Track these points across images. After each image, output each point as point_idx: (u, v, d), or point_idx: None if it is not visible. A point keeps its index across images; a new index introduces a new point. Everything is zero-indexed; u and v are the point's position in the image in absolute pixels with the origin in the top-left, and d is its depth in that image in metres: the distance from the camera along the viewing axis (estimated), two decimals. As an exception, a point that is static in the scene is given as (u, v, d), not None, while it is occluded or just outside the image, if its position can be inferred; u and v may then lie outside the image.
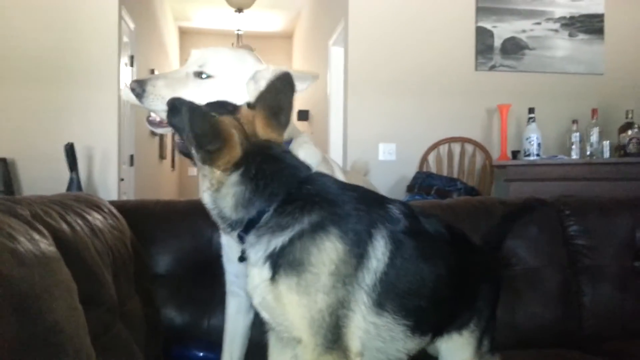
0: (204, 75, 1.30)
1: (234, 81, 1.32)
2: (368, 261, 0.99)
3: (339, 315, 0.97)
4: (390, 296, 1.01)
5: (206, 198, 1.04)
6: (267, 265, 0.98)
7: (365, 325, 0.99)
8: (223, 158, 0.98)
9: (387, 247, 1.00)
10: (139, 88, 1.27)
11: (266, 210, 0.99)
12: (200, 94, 1.25)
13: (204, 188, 1.03)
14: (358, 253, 0.98)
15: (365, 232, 1.00)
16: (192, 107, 0.93)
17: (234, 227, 1.03)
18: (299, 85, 1.34)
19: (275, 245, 0.97)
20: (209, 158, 0.98)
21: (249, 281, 1.03)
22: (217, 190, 1.01)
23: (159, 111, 1.29)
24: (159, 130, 1.36)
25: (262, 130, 1.04)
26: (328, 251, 0.96)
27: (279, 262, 0.97)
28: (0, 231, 0.82)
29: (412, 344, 1.07)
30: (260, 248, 0.99)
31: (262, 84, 1.13)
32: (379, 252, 1.00)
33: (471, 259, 1.23)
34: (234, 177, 0.99)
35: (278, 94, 1.07)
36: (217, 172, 1.00)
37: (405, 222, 1.05)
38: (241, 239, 1.03)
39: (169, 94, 1.23)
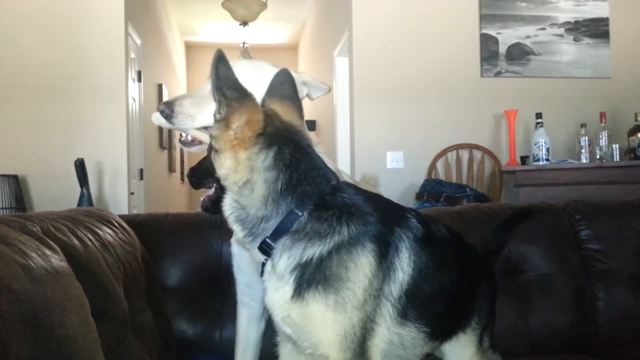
0: None
1: (255, 90, 1.33)
2: (395, 273, 0.99)
3: (367, 328, 0.97)
4: (413, 306, 1.02)
5: (228, 200, 0.99)
6: (293, 278, 0.94)
7: (389, 336, 1.00)
8: (243, 116, 0.92)
9: (411, 258, 1.02)
10: (168, 109, 1.27)
11: (298, 212, 0.94)
12: None
13: (228, 183, 0.96)
14: (386, 266, 0.98)
15: (393, 245, 1.00)
16: (221, 54, 0.91)
17: (255, 232, 0.96)
18: (313, 93, 1.36)
19: (311, 255, 0.94)
20: (229, 112, 0.92)
21: (269, 295, 0.99)
22: (246, 184, 0.94)
23: (189, 129, 1.28)
24: (192, 149, 1.35)
25: (281, 110, 1.02)
26: (364, 266, 0.95)
27: (311, 276, 0.93)
28: (11, 247, 0.83)
29: (427, 348, 1.09)
30: (293, 254, 0.94)
31: None
32: (404, 263, 1.01)
33: (471, 259, 1.25)
34: (267, 159, 0.94)
35: (282, 85, 1.08)
36: (245, 154, 0.93)
37: (423, 230, 1.06)
38: (265, 248, 0.96)
39: (197, 112, 1.25)
